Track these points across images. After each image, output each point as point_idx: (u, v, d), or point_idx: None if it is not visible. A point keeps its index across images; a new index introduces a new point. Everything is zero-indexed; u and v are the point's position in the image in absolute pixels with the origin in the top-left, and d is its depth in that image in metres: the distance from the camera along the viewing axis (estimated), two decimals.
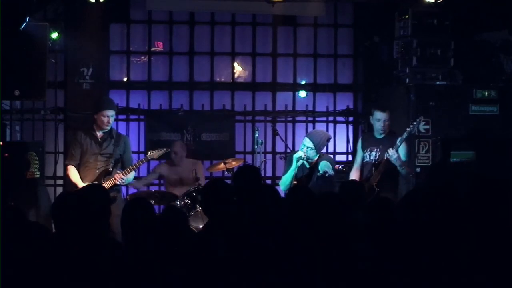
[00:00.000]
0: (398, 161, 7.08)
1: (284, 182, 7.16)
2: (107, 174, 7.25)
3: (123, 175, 7.21)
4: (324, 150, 7.38)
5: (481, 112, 8.48)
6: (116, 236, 5.24)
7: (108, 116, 7.28)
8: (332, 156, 8.76)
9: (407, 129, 7.18)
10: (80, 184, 7.11)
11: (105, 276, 4.04)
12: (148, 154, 7.51)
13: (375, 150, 7.27)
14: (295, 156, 7.08)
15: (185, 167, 8.48)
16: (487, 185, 4.48)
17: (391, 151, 7.04)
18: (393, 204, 4.41)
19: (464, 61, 8.73)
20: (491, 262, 3.96)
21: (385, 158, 7.09)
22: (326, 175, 6.96)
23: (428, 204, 4.20)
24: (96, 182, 7.03)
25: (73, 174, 7.27)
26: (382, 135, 7.31)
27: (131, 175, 7.37)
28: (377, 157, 7.24)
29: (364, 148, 7.40)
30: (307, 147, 7.12)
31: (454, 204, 4.39)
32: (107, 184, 7.12)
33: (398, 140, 7.11)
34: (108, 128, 7.32)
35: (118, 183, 7.21)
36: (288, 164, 7.22)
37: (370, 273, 3.90)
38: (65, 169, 7.59)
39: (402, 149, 7.18)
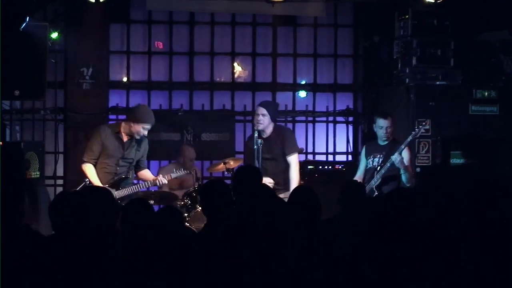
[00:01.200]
0: (401, 165, 7.06)
1: None
2: (123, 180, 7.07)
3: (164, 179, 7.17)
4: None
5: (481, 112, 8.48)
6: None
7: (146, 129, 7.04)
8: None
9: (412, 132, 7.18)
10: (98, 184, 6.82)
11: (102, 276, 4.04)
12: (172, 174, 7.40)
13: (378, 156, 7.27)
14: (255, 137, 7.13)
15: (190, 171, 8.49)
16: (487, 186, 4.48)
17: (395, 154, 7.03)
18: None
19: (464, 61, 8.73)
20: (491, 264, 3.96)
21: (389, 163, 7.07)
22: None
23: (422, 204, 4.20)
24: (113, 188, 6.78)
25: (91, 172, 6.93)
26: (386, 142, 7.30)
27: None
28: (380, 163, 7.23)
29: (367, 156, 7.41)
30: (262, 115, 7.23)
31: (453, 205, 4.39)
32: (124, 192, 6.96)
33: (402, 144, 7.11)
34: (138, 138, 7.11)
35: (159, 184, 7.18)
36: (247, 147, 7.45)
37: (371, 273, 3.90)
38: (81, 165, 7.14)
39: (406, 154, 7.17)
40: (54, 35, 8.52)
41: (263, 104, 7.48)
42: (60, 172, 9.06)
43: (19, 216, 4.66)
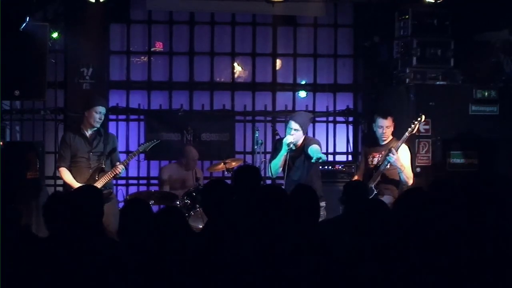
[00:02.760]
0: (398, 163, 7.05)
1: (274, 167, 7.07)
2: (100, 171, 7.20)
3: (123, 165, 7.24)
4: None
5: (481, 112, 8.47)
6: (112, 235, 5.24)
7: (100, 113, 7.18)
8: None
9: (409, 129, 7.18)
10: (75, 184, 7.03)
11: (100, 275, 4.04)
12: (140, 146, 7.52)
13: (378, 156, 7.27)
14: (285, 141, 6.95)
15: (191, 171, 8.50)
16: (486, 186, 4.47)
17: (390, 153, 7.02)
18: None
19: (464, 61, 8.73)
20: (490, 264, 3.96)
21: (386, 162, 7.07)
22: (320, 161, 6.93)
23: (427, 204, 4.20)
24: (90, 181, 6.99)
25: (66, 175, 7.18)
26: (385, 142, 7.29)
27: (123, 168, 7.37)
28: (378, 162, 7.22)
29: (367, 155, 7.40)
30: (294, 130, 7.00)
31: (453, 205, 4.39)
32: (101, 182, 7.10)
33: (399, 141, 7.12)
34: (98, 125, 7.23)
35: (119, 173, 7.22)
36: (276, 149, 7.13)
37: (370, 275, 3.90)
38: (58, 172, 7.44)
39: (403, 152, 7.17)
40: (54, 35, 8.52)
41: (296, 119, 7.07)
42: None
43: (19, 216, 4.65)
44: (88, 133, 7.25)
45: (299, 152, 7.08)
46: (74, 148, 7.22)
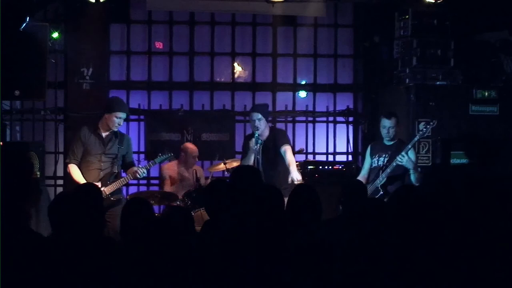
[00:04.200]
0: (410, 164, 7.05)
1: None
2: (112, 175, 7.16)
3: (143, 169, 7.24)
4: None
5: (481, 112, 8.49)
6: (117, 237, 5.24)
7: (120, 118, 7.16)
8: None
9: (420, 132, 7.19)
10: (83, 182, 6.94)
11: (101, 275, 4.04)
12: (156, 158, 7.47)
13: (384, 155, 7.25)
14: (256, 137, 7.08)
15: (191, 169, 8.50)
16: (486, 186, 4.48)
17: (401, 154, 7.02)
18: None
19: (464, 61, 8.74)
20: (488, 263, 3.96)
21: (395, 163, 7.07)
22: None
23: (422, 202, 4.20)
24: (101, 184, 6.94)
25: (75, 172, 7.10)
26: (391, 142, 7.29)
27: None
28: (385, 162, 7.22)
29: (372, 155, 7.39)
30: (258, 120, 7.18)
31: (450, 204, 4.40)
32: (113, 186, 7.08)
33: (409, 143, 7.11)
34: (116, 129, 7.22)
35: (138, 176, 7.20)
36: (246, 147, 7.29)
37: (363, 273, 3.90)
38: (66, 167, 7.45)
39: (412, 153, 7.17)
40: (54, 35, 8.53)
41: (257, 109, 7.40)
42: (60, 172, 9.05)
43: (22, 217, 4.64)
44: (104, 134, 7.22)
45: (269, 143, 7.16)
46: (88, 147, 7.17)
